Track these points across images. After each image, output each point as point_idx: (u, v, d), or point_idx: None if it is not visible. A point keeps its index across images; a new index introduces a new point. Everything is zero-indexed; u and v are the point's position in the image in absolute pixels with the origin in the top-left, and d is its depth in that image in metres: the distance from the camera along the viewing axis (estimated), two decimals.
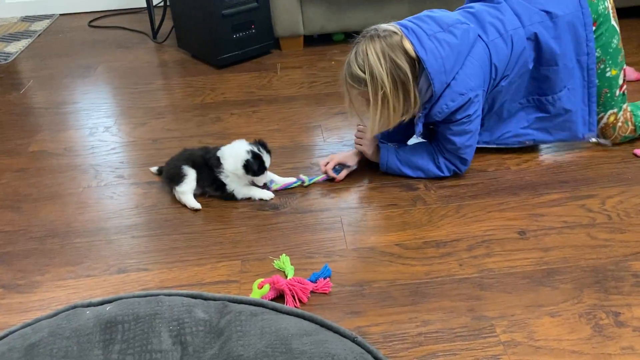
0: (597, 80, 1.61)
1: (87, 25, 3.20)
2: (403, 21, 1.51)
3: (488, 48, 1.50)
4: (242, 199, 1.59)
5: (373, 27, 1.48)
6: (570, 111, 1.62)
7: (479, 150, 1.75)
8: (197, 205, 1.56)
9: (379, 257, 1.36)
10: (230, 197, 1.58)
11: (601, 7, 1.56)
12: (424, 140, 1.68)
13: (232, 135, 1.94)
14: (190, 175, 1.55)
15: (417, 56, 1.44)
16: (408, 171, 1.62)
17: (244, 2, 2.46)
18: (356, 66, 1.45)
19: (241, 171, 1.53)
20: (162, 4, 2.91)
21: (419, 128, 1.55)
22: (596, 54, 1.58)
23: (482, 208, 1.50)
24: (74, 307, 0.93)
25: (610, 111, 1.65)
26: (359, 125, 1.66)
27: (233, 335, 0.86)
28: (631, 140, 1.73)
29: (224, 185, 1.56)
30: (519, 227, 1.43)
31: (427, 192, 1.59)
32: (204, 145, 1.70)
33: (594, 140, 1.72)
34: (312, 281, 1.27)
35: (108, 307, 0.92)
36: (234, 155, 1.54)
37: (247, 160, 1.52)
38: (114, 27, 3.14)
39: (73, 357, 0.82)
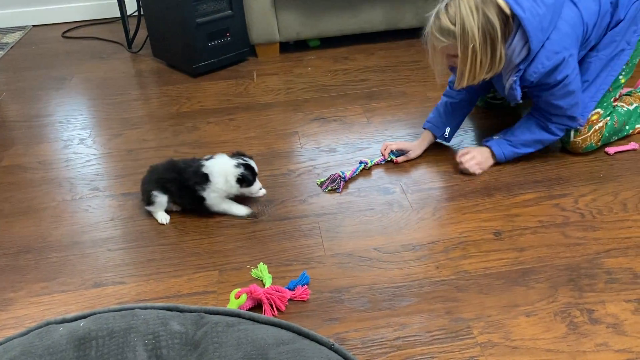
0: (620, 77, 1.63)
1: (61, 36, 3.17)
2: None
3: (577, 7, 1.48)
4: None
5: None
6: (587, 82, 1.61)
7: (452, 153, 1.76)
8: (165, 220, 1.55)
9: (357, 262, 1.36)
10: (205, 210, 1.56)
11: None
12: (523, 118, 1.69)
13: (209, 144, 1.93)
14: (162, 200, 1.54)
15: (512, 13, 1.41)
16: (526, 150, 1.66)
17: (219, 10, 2.46)
18: (446, 18, 1.44)
19: (235, 187, 1.52)
20: (136, 13, 2.89)
21: (518, 92, 1.52)
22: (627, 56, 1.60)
23: (458, 210, 1.52)
24: (47, 324, 0.92)
25: (598, 110, 1.65)
26: (460, 151, 1.69)
27: (209, 347, 0.86)
28: (625, 137, 1.75)
29: (202, 199, 1.54)
30: (494, 228, 1.44)
31: (403, 195, 1.60)
32: (172, 159, 1.62)
33: (573, 133, 1.68)
34: (290, 289, 1.27)
35: (82, 322, 0.91)
36: (222, 172, 1.51)
37: (241, 174, 1.50)
38: (88, 38, 3.11)
39: None
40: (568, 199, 1.53)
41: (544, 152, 1.73)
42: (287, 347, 0.84)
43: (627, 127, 1.74)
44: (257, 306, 1.24)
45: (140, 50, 2.83)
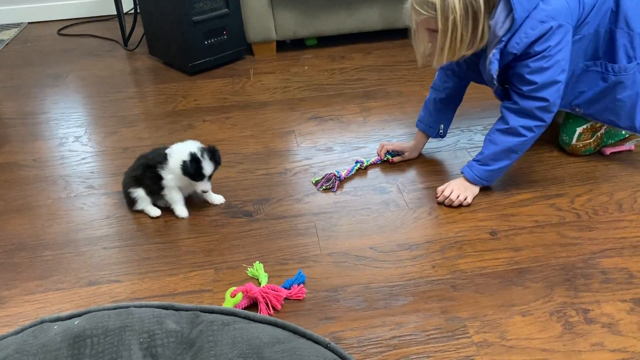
0: None
1: (57, 34, 3.15)
2: None
3: None
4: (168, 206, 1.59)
5: None
6: (637, 93, 1.51)
7: (448, 153, 1.77)
8: (156, 213, 1.56)
9: (353, 261, 1.36)
10: (166, 196, 1.57)
11: None
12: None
13: (205, 142, 1.91)
14: (140, 194, 1.56)
15: None
16: (499, 164, 1.52)
17: (215, 8, 2.45)
18: None
19: (178, 171, 1.51)
20: (132, 11, 2.88)
21: (494, 66, 1.43)
22: None
23: (454, 209, 1.52)
24: (41, 322, 0.91)
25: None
26: (438, 190, 1.57)
27: (205, 346, 0.85)
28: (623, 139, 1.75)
29: (160, 178, 1.53)
30: (490, 227, 1.44)
31: (399, 195, 1.60)
32: (142, 153, 1.63)
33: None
34: (286, 288, 1.26)
35: (77, 321, 0.91)
36: (179, 156, 1.51)
37: (184, 162, 1.49)
38: (83, 35, 3.10)
39: None
40: (564, 199, 1.53)
41: (540, 153, 1.73)
42: (282, 346, 0.84)
43: (623, 132, 1.73)
44: (253, 305, 1.24)
45: (136, 48, 2.82)
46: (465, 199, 1.53)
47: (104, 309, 0.93)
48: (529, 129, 1.48)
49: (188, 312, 0.94)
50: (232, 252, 1.41)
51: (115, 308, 0.94)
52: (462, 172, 1.58)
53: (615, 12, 1.48)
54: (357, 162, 1.71)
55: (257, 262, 1.36)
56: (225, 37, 2.51)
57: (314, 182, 1.66)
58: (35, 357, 0.83)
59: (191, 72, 2.48)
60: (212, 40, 2.47)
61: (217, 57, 2.51)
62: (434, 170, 1.70)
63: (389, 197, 1.59)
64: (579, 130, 1.66)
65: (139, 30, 2.82)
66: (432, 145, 1.81)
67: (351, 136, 1.91)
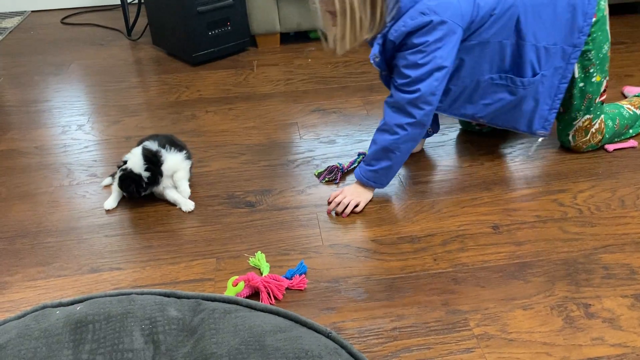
0: (582, 84, 1.56)
1: (60, 23, 3.14)
2: None
3: None
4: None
5: None
6: (538, 101, 1.54)
7: (451, 147, 1.76)
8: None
9: (355, 253, 1.36)
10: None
11: (602, 3, 1.50)
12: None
13: (207, 133, 1.93)
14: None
15: None
16: (381, 164, 1.48)
17: None
18: None
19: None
20: (136, 1, 2.87)
21: (376, 48, 1.41)
22: (590, 55, 1.52)
23: (456, 203, 1.52)
24: (43, 307, 0.91)
25: (587, 116, 1.62)
26: (332, 195, 1.54)
27: (206, 333, 0.86)
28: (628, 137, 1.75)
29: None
30: (492, 221, 1.44)
31: (402, 188, 1.59)
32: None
33: (540, 140, 1.69)
34: (287, 278, 1.27)
35: (78, 306, 0.91)
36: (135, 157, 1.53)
37: (119, 177, 1.51)
38: (87, 25, 3.09)
39: (41, 358, 0.81)
40: (566, 194, 1.53)
41: (543, 148, 1.73)
42: (284, 334, 0.84)
43: (630, 131, 1.73)
44: (255, 294, 1.24)
45: (139, 38, 2.81)
46: (356, 205, 1.49)
47: (105, 296, 0.94)
48: (401, 126, 1.44)
49: (190, 299, 0.94)
50: (234, 242, 1.41)
51: (117, 295, 0.94)
52: (355, 173, 1.55)
53: (521, 25, 1.45)
54: (359, 154, 1.71)
55: (259, 252, 1.36)
56: (229, 28, 2.50)
57: (316, 174, 1.66)
58: (37, 341, 0.83)
59: (194, 62, 2.48)
60: (216, 31, 2.47)
61: (221, 48, 2.51)
62: (436, 164, 1.70)
63: (392, 190, 1.58)
64: (570, 134, 1.67)
65: (143, 20, 2.81)
66: (435, 139, 1.80)
67: (354, 129, 1.91)
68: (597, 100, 1.60)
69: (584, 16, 1.47)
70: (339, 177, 1.64)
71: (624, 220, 1.42)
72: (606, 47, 1.55)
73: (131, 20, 2.85)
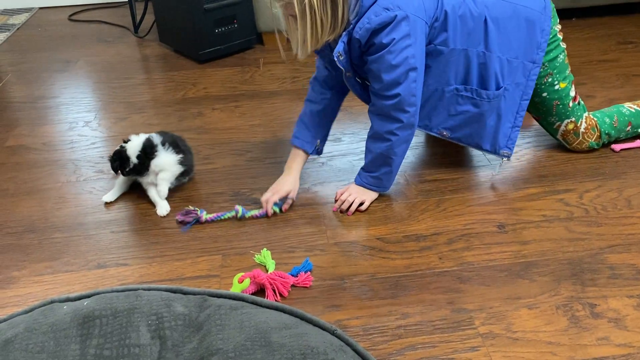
0: (545, 94, 1.58)
1: (67, 19, 3.16)
2: None
3: None
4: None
5: None
6: (500, 116, 1.53)
7: (457, 145, 1.76)
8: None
9: (360, 251, 1.36)
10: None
11: (554, 21, 1.53)
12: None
13: (213, 130, 1.93)
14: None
15: None
16: (382, 169, 1.49)
17: None
18: None
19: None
20: None
21: (340, 46, 1.35)
22: (546, 65, 1.53)
23: (462, 202, 1.52)
24: (51, 302, 0.92)
25: (567, 120, 1.62)
26: (338, 192, 1.54)
27: (212, 329, 0.86)
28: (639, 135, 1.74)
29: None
30: (498, 221, 1.44)
31: (407, 186, 1.60)
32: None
33: (505, 160, 1.62)
34: (293, 275, 1.27)
35: (86, 302, 0.91)
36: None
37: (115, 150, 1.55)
38: (94, 21, 3.10)
39: (49, 352, 0.82)
40: (572, 194, 1.53)
41: (549, 148, 1.73)
42: (289, 331, 0.85)
43: (633, 129, 1.72)
44: (260, 291, 1.24)
45: (146, 35, 2.82)
46: (362, 204, 1.50)
47: (112, 291, 0.94)
48: (391, 132, 1.43)
49: (196, 296, 0.94)
50: (239, 239, 1.42)
51: (123, 290, 0.94)
52: (354, 180, 1.54)
53: (488, 36, 1.44)
54: (235, 209, 1.49)
55: (265, 249, 1.36)
56: (236, 25, 2.51)
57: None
58: (44, 335, 0.84)
59: (201, 60, 2.48)
60: (223, 28, 2.47)
61: (228, 45, 2.51)
62: (442, 163, 1.70)
63: (397, 189, 1.58)
64: (560, 138, 1.68)
65: (150, 18, 2.82)
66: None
67: (360, 127, 1.91)
68: (572, 103, 1.61)
69: (541, 32, 1.49)
70: (190, 222, 1.47)
71: (631, 221, 1.42)
72: (562, 57, 1.57)
73: (138, 18, 2.85)
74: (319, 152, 1.61)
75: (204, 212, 1.48)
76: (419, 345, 1.11)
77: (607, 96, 2.00)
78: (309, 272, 1.29)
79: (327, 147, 1.79)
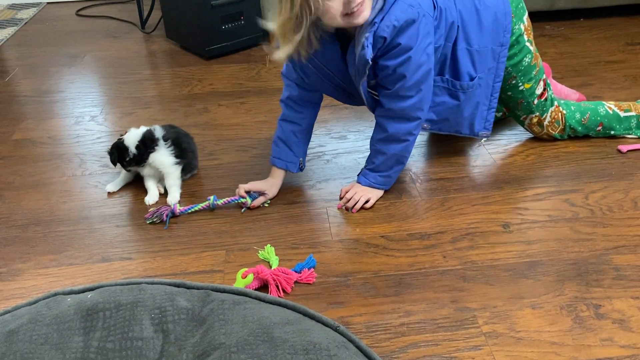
0: (510, 92, 1.61)
1: (75, 14, 3.17)
2: None
3: None
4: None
5: None
6: (478, 103, 1.56)
7: (463, 143, 1.75)
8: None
9: (364, 248, 1.36)
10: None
11: (516, 27, 1.52)
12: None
13: (219, 126, 1.93)
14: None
15: None
16: (397, 167, 1.51)
17: None
18: None
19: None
20: None
21: (369, 51, 1.30)
22: (509, 69, 1.56)
23: (467, 201, 1.51)
24: (55, 294, 0.93)
25: (532, 115, 1.67)
26: (343, 189, 1.54)
27: (215, 324, 0.86)
28: (612, 137, 1.74)
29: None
30: (503, 220, 1.44)
31: (412, 185, 1.59)
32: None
33: (485, 140, 1.71)
34: (296, 271, 1.27)
35: (89, 294, 0.92)
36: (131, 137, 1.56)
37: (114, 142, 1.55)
38: (101, 17, 3.11)
39: (53, 344, 0.82)
40: (578, 194, 1.52)
41: (555, 148, 1.72)
42: (292, 327, 0.84)
43: (605, 130, 1.73)
44: (264, 287, 1.24)
45: (153, 31, 2.83)
46: (367, 201, 1.49)
47: (116, 284, 0.95)
48: (409, 133, 1.45)
49: (199, 290, 0.94)
50: (243, 235, 1.42)
51: (127, 284, 0.95)
52: (358, 182, 1.53)
53: (459, 26, 1.45)
54: (208, 198, 1.51)
55: (269, 245, 1.36)
56: (243, 22, 2.51)
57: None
58: (48, 327, 0.84)
59: (207, 56, 2.48)
60: (230, 25, 2.47)
61: (234, 42, 2.51)
62: (447, 162, 1.69)
63: (402, 187, 1.58)
64: (526, 127, 1.73)
65: (157, 14, 2.82)
66: (447, 137, 1.79)
67: (365, 125, 1.90)
68: (536, 101, 1.64)
69: (504, 16, 1.50)
70: (165, 218, 1.47)
71: (636, 222, 1.41)
72: (527, 59, 1.57)
73: (145, 14, 2.86)
74: (301, 169, 1.60)
75: (177, 205, 1.50)
76: (421, 343, 1.10)
77: (614, 97, 1.99)
78: (312, 269, 1.28)
79: (332, 145, 1.80)
